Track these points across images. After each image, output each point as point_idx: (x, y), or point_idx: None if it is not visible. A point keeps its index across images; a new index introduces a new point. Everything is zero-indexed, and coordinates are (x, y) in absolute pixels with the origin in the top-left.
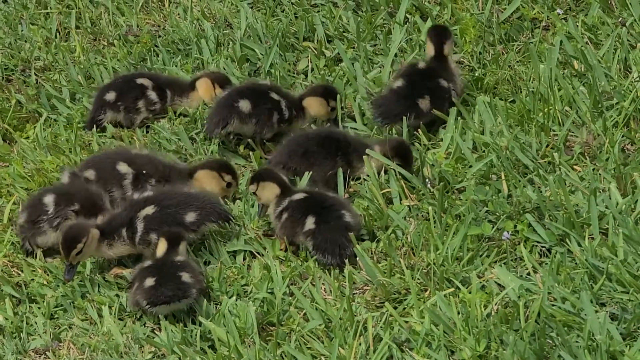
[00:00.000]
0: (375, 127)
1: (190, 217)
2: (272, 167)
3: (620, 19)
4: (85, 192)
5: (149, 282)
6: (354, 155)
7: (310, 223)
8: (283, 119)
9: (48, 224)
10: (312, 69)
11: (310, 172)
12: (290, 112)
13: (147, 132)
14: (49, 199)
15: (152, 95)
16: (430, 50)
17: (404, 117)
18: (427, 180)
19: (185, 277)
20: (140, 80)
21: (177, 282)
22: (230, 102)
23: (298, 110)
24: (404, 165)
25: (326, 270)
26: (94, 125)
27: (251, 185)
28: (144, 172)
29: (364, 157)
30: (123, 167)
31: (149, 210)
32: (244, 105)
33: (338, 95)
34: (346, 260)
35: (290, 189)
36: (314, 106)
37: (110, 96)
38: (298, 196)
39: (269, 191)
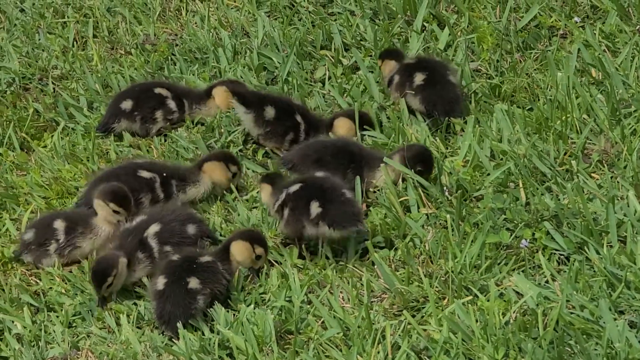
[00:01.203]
0: (393, 135)
1: (191, 229)
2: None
3: (638, 26)
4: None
5: None
6: (366, 169)
7: (315, 208)
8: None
9: (57, 250)
10: (330, 78)
11: None
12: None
13: (165, 140)
14: (59, 225)
15: (172, 104)
16: None
17: None
18: (444, 188)
19: None
20: (158, 90)
21: None
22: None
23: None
24: (425, 171)
25: (344, 278)
26: (105, 131)
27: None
28: (165, 174)
29: (382, 165)
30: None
31: (155, 227)
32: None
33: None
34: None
35: (281, 181)
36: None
37: (127, 105)
38: (294, 187)
39: (265, 192)
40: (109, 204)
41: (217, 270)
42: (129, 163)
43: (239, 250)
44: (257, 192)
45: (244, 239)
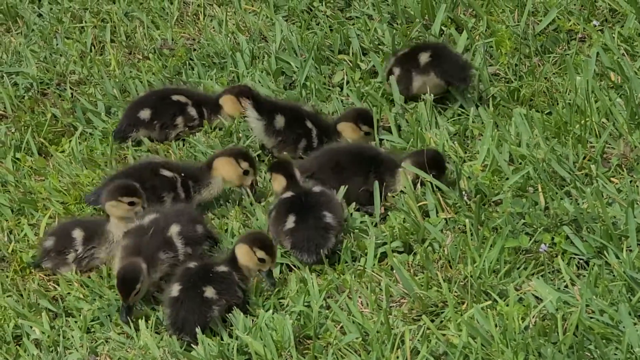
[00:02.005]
0: (412, 139)
1: (199, 229)
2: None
3: None
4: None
5: None
6: (387, 173)
7: (290, 222)
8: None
9: (75, 260)
10: (348, 82)
11: (338, 187)
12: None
13: (183, 145)
14: (78, 234)
15: (193, 111)
16: None
17: None
18: (463, 192)
19: None
20: (176, 97)
21: None
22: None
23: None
24: (438, 175)
25: (363, 283)
26: (122, 140)
27: (269, 173)
28: (183, 174)
29: (400, 170)
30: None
31: (176, 228)
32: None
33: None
34: (322, 257)
35: (297, 184)
36: (346, 131)
37: (145, 114)
38: (285, 195)
39: (277, 183)
40: (122, 199)
41: (233, 281)
42: (149, 161)
43: (241, 254)
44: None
45: (245, 242)
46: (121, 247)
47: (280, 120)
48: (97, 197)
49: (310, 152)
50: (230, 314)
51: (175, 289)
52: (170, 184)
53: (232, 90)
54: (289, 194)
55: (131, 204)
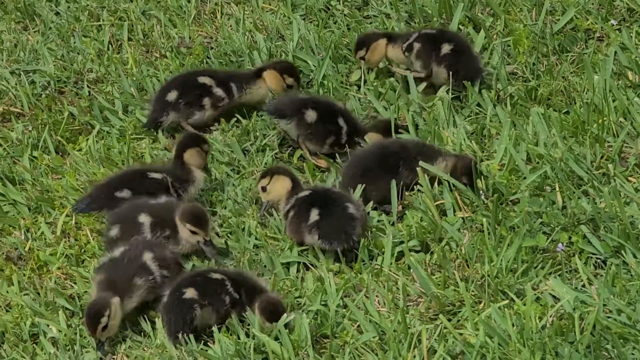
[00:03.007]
0: (429, 138)
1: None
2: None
3: None
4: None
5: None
6: (417, 161)
7: (314, 215)
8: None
9: None
10: (365, 81)
11: (363, 186)
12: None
13: None
14: (145, 219)
15: (219, 91)
16: None
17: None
18: (481, 191)
19: None
20: (201, 79)
21: None
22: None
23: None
24: (469, 185)
25: (380, 282)
26: (155, 127)
27: (263, 179)
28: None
29: (417, 169)
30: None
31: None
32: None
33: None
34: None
35: (300, 186)
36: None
37: (172, 96)
38: (303, 193)
39: (281, 185)
40: (185, 225)
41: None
42: (135, 168)
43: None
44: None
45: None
46: (95, 284)
47: (312, 115)
48: (85, 204)
49: (338, 148)
50: (247, 313)
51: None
52: (163, 185)
53: (276, 66)
54: (305, 192)
55: (193, 232)
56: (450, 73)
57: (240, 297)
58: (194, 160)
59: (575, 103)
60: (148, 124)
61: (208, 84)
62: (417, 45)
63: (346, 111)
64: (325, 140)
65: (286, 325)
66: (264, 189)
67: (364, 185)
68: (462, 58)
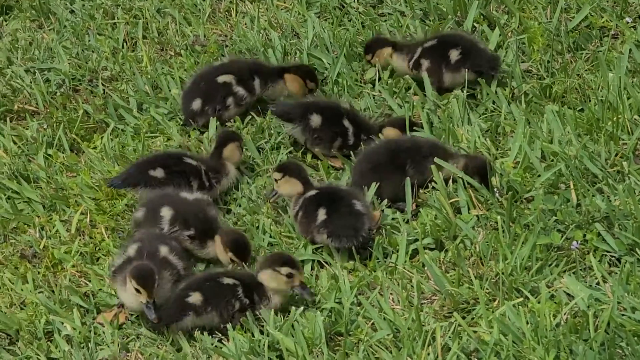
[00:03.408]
0: (443, 135)
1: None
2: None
3: None
4: (202, 215)
5: None
6: (429, 159)
7: (322, 214)
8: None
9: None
10: (379, 79)
11: (378, 184)
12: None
13: None
14: (166, 213)
15: (240, 91)
16: None
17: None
18: (495, 189)
19: None
20: (222, 78)
21: None
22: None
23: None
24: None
25: (394, 280)
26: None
27: (277, 172)
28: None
29: (432, 167)
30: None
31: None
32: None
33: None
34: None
35: (311, 187)
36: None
37: (197, 105)
38: (310, 193)
39: (291, 187)
40: (227, 252)
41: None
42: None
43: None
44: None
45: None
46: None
47: (316, 120)
48: (121, 180)
49: (346, 149)
50: (261, 310)
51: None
52: (196, 171)
53: (298, 71)
54: (312, 192)
55: (233, 261)
56: (467, 71)
57: (251, 301)
58: (232, 156)
59: (589, 101)
60: (185, 124)
61: (228, 81)
62: (425, 63)
63: (352, 111)
64: (333, 144)
65: (300, 323)
66: (276, 181)
67: (377, 183)
68: (472, 57)
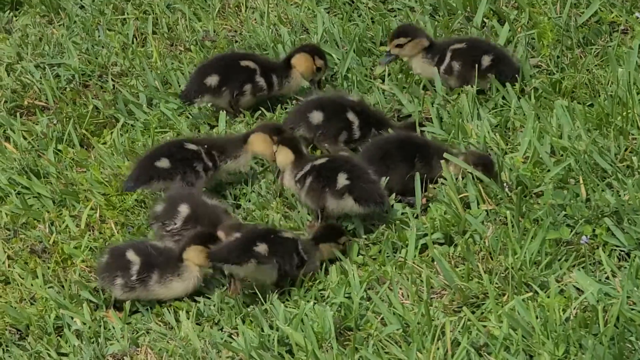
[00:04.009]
0: (453, 130)
1: None
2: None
3: None
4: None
5: None
6: (435, 158)
7: (342, 180)
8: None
9: (170, 234)
10: (389, 74)
11: (387, 177)
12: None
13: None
14: (183, 209)
15: (261, 81)
16: None
17: None
18: (504, 184)
19: None
20: (245, 63)
21: None
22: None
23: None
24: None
25: (404, 275)
26: (188, 103)
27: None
28: (206, 146)
29: (442, 161)
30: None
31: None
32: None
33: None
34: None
35: (305, 156)
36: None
37: (212, 81)
38: (320, 160)
39: (284, 157)
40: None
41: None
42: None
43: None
44: None
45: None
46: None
47: (317, 116)
48: (134, 183)
49: (352, 143)
50: (271, 305)
51: None
52: (197, 155)
53: (305, 49)
54: (322, 159)
55: None
56: (494, 76)
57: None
58: (258, 146)
59: (599, 96)
60: (181, 96)
61: (252, 67)
62: (456, 65)
63: (359, 104)
64: (338, 138)
65: (310, 317)
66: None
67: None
68: (502, 65)
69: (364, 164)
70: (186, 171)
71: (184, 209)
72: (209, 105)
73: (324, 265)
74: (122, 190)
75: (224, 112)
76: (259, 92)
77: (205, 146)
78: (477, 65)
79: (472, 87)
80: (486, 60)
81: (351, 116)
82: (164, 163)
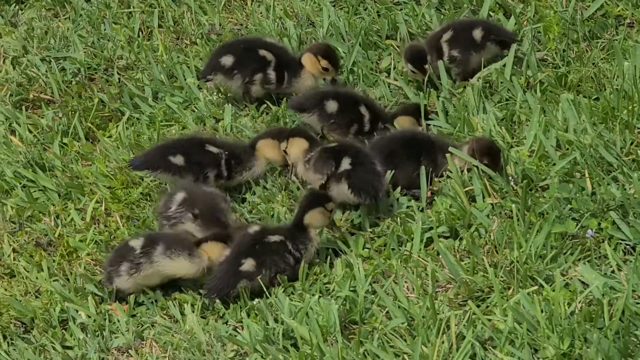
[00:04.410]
0: (459, 124)
1: None
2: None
3: None
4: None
5: None
6: (439, 155)
7: (346, 164)
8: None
9: (166, 220)
10: (395, 67)
11: (393, 172)
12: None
13: (231, 130)
14: (179, 197)
15: (272, 75)
16: None
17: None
18: (510, 178)
19: None
20: (262, 52)
21: None
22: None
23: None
24: (491, 166)
25: (409, 268)
26: (205, 80)
27: (282, 143)
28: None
29: (447, 155)
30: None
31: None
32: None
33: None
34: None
35: (317, 142)
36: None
37: (227, 61)
38: (329, 145)
39: (297, 147)
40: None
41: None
42: (196, 136)
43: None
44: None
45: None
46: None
47: (332, 105)
48: (140, 162)
49: (362, 136)
50: (276, 298)
51: None
52: (215, 160)
53: (312, 49)
54: (332, 144)
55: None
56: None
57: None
58: (268, 152)
59: (605, 89)
60: (200, 76)
61: (268, 59)
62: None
63: (368, 99)
64: (349, 129)
65: (315, 311)
66: (285, 152)
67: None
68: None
69: (375, 155)
70: (198, 177)
71: (179, 194)
72: (221, 85)
73: (329, 258)
74: (128, 164)
75: (229, 105)
76: (267, 85)
77: (226, 153)
78: (473, 42)
79: (478, 80)
80: (478, 34)
81: (363, 109)
82: (178, 160)
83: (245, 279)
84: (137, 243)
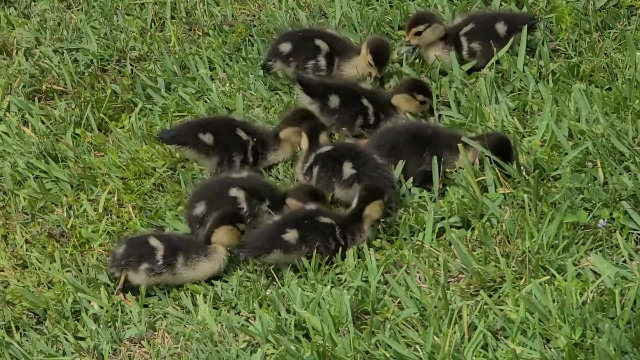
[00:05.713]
0: (471, 114)
1: None
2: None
3: None
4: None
5: None
6: (445, 149)
7: (348, 169)
8: (368, 122)
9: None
10: (407, 58)
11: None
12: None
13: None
14: (239, 194)
15: (322, 62)
16: None
17: None
18: (522, 168)
19: None
20: (318, 42)
21: None
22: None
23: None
24: (503, 161)
25: (421, 258)
26: (266, 69)
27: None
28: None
29: (459, 145)
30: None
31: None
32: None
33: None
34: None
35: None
36: (403, 103)
37: (285, 48)
38: (325, 149)
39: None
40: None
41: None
42: (228, 118)
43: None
44: None
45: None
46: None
47: (334, 100)
48: (170, 136)
49: (367, 128)
50: (288, 289)
51: None
52: (242, 146)
53: (367, 43)
54: (327, 147)
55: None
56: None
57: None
58: (293, 137)
59: (617, 79)
60: (262, 66)
61: (321, 48)
62: (476, 46)
63: (372, 91)
64: (354, 122)
65: (327, 301)
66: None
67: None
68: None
69: (376, 153)
70: (224, 160)
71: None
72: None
73: (340, 249)
74: (156, 136)
75: (241, 94)
76: (317, 72)
77: (255, 139)
78: (496, 37)
79: (490, 70)
80: (501, 29)
81: (366, 102)
82: (207, 138)
83: (281, 250)
84: (157, 245)
